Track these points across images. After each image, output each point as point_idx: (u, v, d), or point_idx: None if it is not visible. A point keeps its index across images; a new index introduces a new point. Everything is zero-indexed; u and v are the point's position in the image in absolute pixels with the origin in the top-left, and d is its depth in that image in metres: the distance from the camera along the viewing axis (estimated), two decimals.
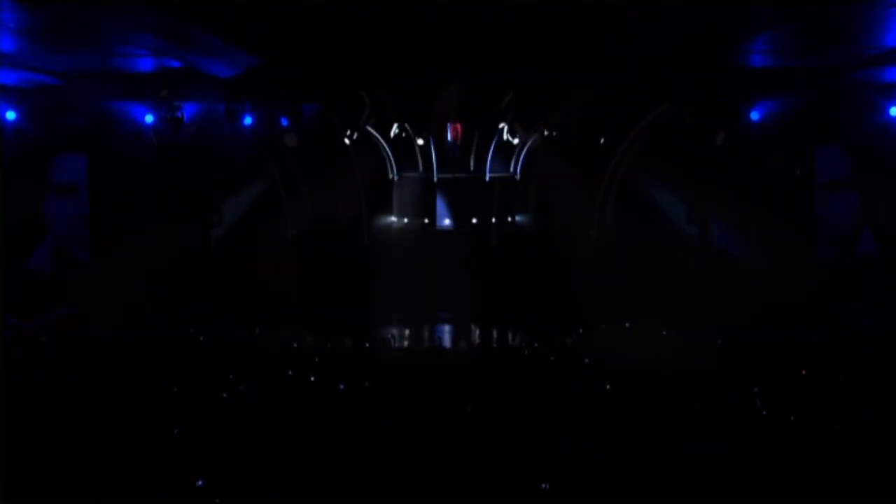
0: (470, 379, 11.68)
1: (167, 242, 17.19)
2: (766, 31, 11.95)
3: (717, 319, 15.27)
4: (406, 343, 16.45)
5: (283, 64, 14.07)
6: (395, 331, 16.30)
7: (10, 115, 15.71)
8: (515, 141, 18.44)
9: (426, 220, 19.21)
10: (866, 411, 9.71)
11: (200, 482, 7.81)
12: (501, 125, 18.16)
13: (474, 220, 19.01)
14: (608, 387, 11.12)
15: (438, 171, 18.88)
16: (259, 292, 16.91)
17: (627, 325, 15.67)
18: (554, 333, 15.32)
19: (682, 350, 13.58)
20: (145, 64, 14.06)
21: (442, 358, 14.56)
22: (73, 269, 17.53)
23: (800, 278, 15.93)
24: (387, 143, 18.85)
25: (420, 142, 18.65)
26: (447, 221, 19.18)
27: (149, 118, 16.16)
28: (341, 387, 11.26)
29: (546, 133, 17.83)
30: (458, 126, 18.25)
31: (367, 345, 15.00)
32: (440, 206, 19.12)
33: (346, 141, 17.85)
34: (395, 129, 18.55)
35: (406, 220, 19.36)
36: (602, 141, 18.32)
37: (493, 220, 18.95)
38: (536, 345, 14.83)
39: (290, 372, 12.19)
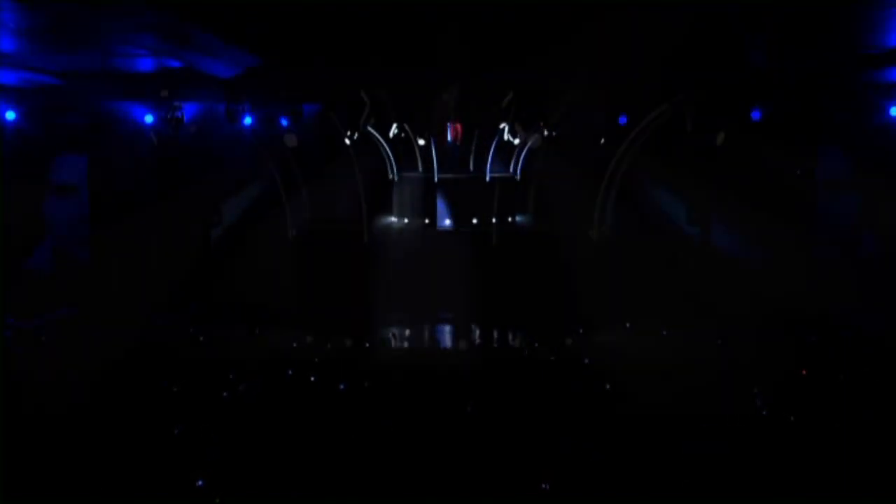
0: (470, 379, 11.67)
1: (167, 242, 17.20)
2: (767, 30, 11.94)
3: (717, 319, 15.24)
4: (406, 343, 16.42)
5: (283, 64, 14.05)
6: (395, 331, 16.27)
7: (10, 115, 15.65)
8: (516, 141, 18.41)
9: (426, 221, 19.22)
10: (866, 411, 9.72)
11: (200, 482, 7.83)
12: (501, 125, 18.12)
13: (474, 221, 19.01)
14: (608, 387, 11.13)
15: (438, 171, 18.89)
16: (259, 292, 16.85)
17: (628, 325, 15.64)
18: (554, 333, 15.28)
19: (682, 350, 13.56)
20: (145, 64, 14.03)
21: (442, 358, 14.55)
22: (73, 269, 17.50)
23: (800, 278, 15.92)
24: (387, 143, 18.85)
25: (420, 142, 18.67)
26: (447, 221, 19.18)
27: (149, 118, 16.11)
28: (341, 387, 11.27)
29: (546, 133, 17.79)
30: (458, 126, 18.21)
31: (367, 345, 14.98)
32: (440, 206, 19.12)
33: (346, 141, 17.83)
34: (394, 129, 18.52)
35: (406, 220, 19.37)
36: (602, 141, 18.31)
37: (494, 220, 18.92)
38: (536, 345, 14.81)
39: (290, 372, 12.19)
